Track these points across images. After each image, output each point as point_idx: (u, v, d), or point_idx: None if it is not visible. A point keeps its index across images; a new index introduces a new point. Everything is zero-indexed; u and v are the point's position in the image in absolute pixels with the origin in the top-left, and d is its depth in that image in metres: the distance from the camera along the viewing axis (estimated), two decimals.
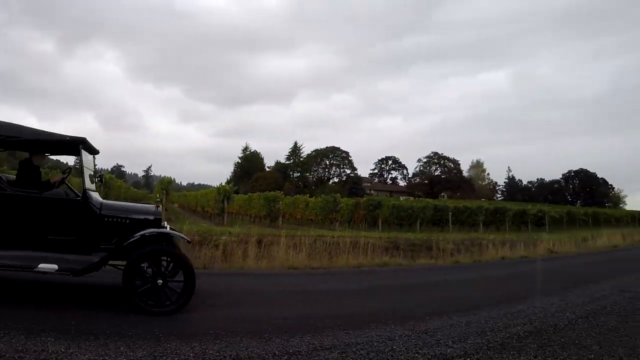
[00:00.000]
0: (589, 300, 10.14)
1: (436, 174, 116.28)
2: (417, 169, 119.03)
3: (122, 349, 5.28)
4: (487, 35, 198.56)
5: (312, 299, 9.12)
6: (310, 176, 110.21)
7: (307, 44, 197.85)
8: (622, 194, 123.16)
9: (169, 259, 7.61)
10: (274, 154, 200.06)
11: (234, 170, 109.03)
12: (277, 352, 5.57)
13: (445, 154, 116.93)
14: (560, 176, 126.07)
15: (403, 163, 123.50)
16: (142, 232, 7.43)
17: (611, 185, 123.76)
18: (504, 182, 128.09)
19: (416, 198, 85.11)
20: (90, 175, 8.09)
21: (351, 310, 8.22)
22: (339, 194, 36.53)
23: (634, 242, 33.55)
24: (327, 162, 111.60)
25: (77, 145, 7.75)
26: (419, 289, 11.15)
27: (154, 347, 5.43)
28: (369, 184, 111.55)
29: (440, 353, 5.85)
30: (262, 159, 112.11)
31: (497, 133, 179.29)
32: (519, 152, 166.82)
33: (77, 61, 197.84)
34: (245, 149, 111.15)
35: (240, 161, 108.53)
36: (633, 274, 15.29)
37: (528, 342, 6.61)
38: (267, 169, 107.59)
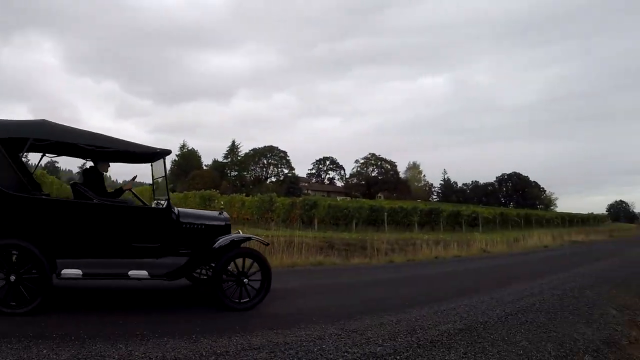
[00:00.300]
0: (518, 298, 10.31)
1: (373, 174, 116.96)
2: (355, 169, 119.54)
3: (45, 351, 5.09)
4: (429, 41, 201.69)
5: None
6: (248, 175, 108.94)
7: (249, 42, 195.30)
8: (554, 196, 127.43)
9: (252, 260, 8.17)
10: (212, 152, 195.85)
11: (171, 168, 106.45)
12: (204, 353, 5.43)
13: (383, 155, 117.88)
14: (494, 179, 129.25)
15: (341, 164, 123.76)
16: (231, 237, 8.37)
17: (543, 188, 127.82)
18: (440, 184, 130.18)
19: (353, 198, 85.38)
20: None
21: (282, 310, 8.06)
22: (275, 193, 36.36)
23: (563, 242, 34.64)
24: (265, 161, 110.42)
25: (164, 156, 8.31)
26: (351, 288, 11.05)
27: (79, 349, 5.23)
28: (306, 184, 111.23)
29: (370, 352, 5.80)
30: (200, 157, 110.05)
31: (434, 136, 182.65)
32: (455, 155, 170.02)
33: (12, 50, 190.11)
34: (183, 146, 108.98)
35: (177, 159, 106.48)
36: (562, 273, 15.66)
37: (458, 340, 6.62)
38: (205, 167, 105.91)
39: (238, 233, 9.05)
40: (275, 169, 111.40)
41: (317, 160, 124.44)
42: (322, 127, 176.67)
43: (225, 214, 9.13)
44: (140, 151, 8.22)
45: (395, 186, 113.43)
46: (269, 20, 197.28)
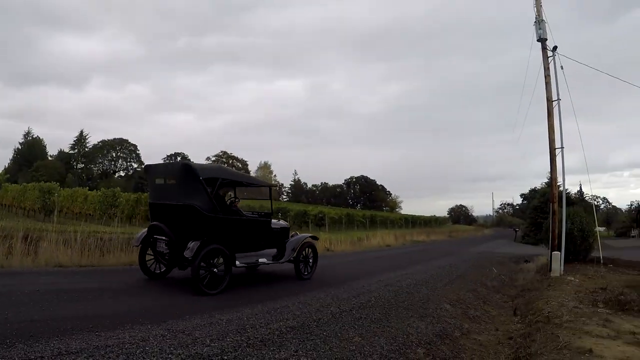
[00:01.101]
0: (354, 295, 10.53)
1: None
2: None
3: None
4: (289, 44, 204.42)
5: (69, 299, 8.19)
6: (96, 168, 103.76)
7: (108, 27, 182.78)
8: (399, 199, 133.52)
9: (309, 249, 13.54)
10: (58, 142, 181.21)
11: (13, 157, 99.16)
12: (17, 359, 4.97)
13: (235, 154, 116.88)
14: (343, 181, 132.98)
15: (193, 160, 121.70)
16: (304, 236, 13.65)
17: (389, 191, 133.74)
18: (290, 184, 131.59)
19: None
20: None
21: (108, 310, 7.55)
22: (118, 188, 34.92)
23: (405, 242, 36.24)
24: (114, 154, 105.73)
25: (270, 187, 13.59)
26: (185, 285, 10.56)
27: None
28: None
29: (196, 352, 5.60)
30: (45, 146, 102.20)
31: (287, 137, 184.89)
32: (306, 157, 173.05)
33: None
34: (28, 133, 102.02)
35: (20, 147, 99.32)
36: (399, 270, 16.25)
37: (289, 337, 6.58)
38: (50, 158, 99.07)
39: (296, 234, 13.70)
40: (125, 163, 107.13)
41: (168, 156, 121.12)
42: (176, 122, 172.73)
43: (283, 222, 14.11)
44: (262, 184, 14.60)
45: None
46: (130, 6, 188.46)
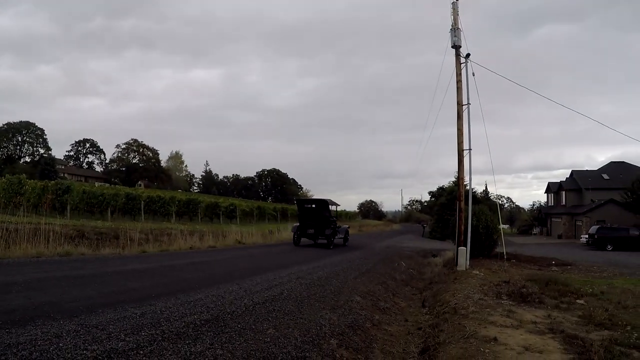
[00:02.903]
0: (267, 287, 10.56)
1: (134, 161, 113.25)
2: (116, 155, 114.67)
3: None
4: (207, 34, 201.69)
5: None
6: (0, 153, 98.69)
7: (23, 2, 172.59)
8: (310, 193, 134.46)
9: (347, 231, 30.01)
10: None
11: None
12: None
13: (146, 142, 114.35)
14: (255, 174, 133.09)
15: (101, 147, 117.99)
16: (346, 226, 31.03)
17: (300, 185, 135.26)
18: (201, 175, 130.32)
19: (112, 185, 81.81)
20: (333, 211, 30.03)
21: (17, 305, 7.22)
22: (24, 175, 33.48)
23: None
24: (20, 138, 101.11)
25: (335, 203, 30.68)
26: (97, 279, 10.34)
27: None
28: (63, 167, 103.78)
29: (111, 348, 5.45)
30: None
31: (200, 127, 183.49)
32: (218, 147, 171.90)
33: None
34: None
35: None
36: (311, 263, 16.47)
37: (204, 330, 6.57)
38: None
39: (340, 225, 29.00)
40: (31, 148, 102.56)
41: (76, 142, 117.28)
42: (86, 107, 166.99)
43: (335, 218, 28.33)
44: (336, 204, 30.20)
45: (157, 174, 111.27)
46: None
